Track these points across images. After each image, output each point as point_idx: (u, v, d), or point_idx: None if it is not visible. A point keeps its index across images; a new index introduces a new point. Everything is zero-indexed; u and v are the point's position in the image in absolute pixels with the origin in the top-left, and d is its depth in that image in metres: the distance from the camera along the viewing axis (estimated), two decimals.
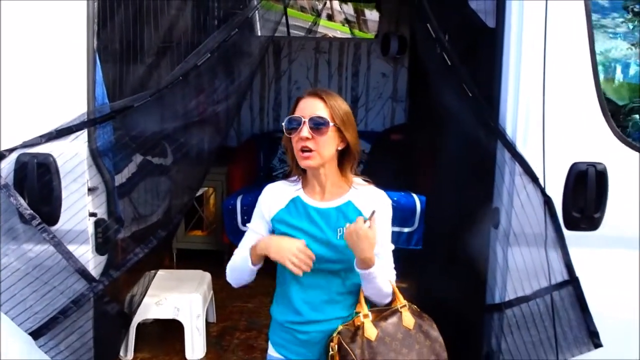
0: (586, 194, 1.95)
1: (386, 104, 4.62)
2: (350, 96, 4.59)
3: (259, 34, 3.54)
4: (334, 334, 1.48)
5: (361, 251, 1.41)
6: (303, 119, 1.48)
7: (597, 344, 2.01)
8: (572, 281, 1.99)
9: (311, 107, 1.50)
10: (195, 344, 2.43)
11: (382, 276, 1.50)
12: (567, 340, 2.02)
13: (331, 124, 1.48)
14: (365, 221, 1.41)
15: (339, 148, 1.53)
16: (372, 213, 1.44)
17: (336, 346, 1.46)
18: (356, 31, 7.39)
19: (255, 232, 1.60)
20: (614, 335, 2.01)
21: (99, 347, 2.00)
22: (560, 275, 1.99)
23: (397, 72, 4.57)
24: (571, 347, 2.03)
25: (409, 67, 4.48)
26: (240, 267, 1.55)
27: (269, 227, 1.59)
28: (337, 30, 8.45)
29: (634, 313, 2.03)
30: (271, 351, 1.62)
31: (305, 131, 1.47)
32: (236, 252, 1.61)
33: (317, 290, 1.52)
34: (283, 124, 1.53)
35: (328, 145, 1.50)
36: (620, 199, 1.97)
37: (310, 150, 1.48)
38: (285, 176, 1.67)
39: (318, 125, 1.48)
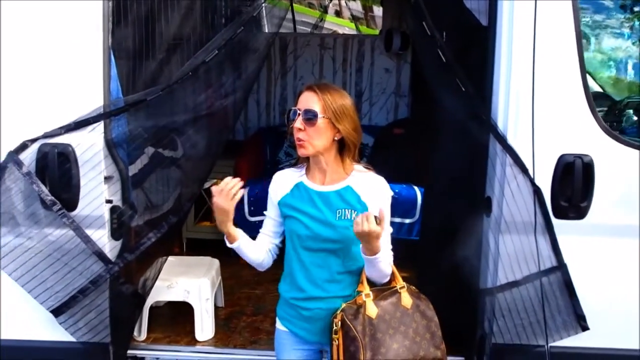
0: (573, 185, 2.04)
1: (389, 98, 4.72)
2: (354, 91, 4.69)
3: (266, 30, 3.65)
4: (338, 312, 1.60)
5: (367, 241, 1.52)
6: (298, 111, 1.61)
7: (585, 327, 2.12)
8: (561, 267, 2.09)
9: (306, 101, 1.63)
10: (204, 325, 2.56)
11: (385, 261, 1.61)
12: (555, 324, 2.12)
13: (321, 116, 1.60)
14: (376, 218, 1.50)
15: (336, 138, 1.64)
16: (380, 213, 1.52)
17: (339, 322, 1.58)
18: (362, 27, 7.47)
19: (269, 217, 1.76)
20: (600, 318, 2.12)
21: (115, 326, 2.14)
22: (549, 261, 2.09)
23: (400, 67, 4.66)
24: (560, 330, 2.13)
25: (412, 62, 4.57)
26: (242, 255, 1.71)
27: (278, 211, 1.72)
28: (344, 27, 8.52)
29: (619, 297, 2.13)
30: (278, 325, 1.77)
31: (298, 122, 1.60)
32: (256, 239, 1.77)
33: (318, 269, 1.64)
34: (285, 115, 1.68)
35: (319, 135, 1.61)
36: (606, 189, 2.07)
37: (301, 140, 1.61)
38: (294, 164, 1.80)
39: (309, 117, 1.60)
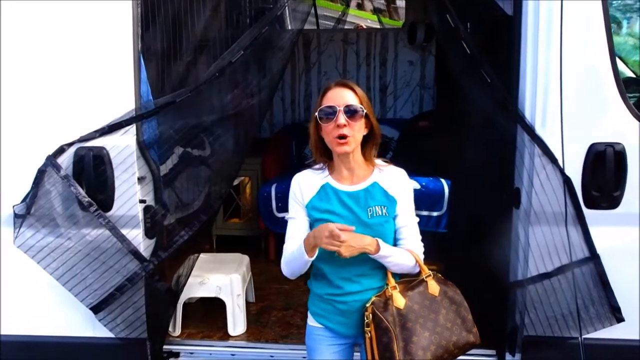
0: (605, 174, 2.00)
1: (414, 91, 4.69)
2: (378, 85, 4.68)
3: (290, 27, 3.67)
4: (368, 304, 1.62)
5: (361, 243, 1.55)
6: (338, 108, 1.60)
7: (620, 319, 2.08)
8: (593, 258, 2.06)
9: (343, 96, 1.62)
10: (236, 321, 2.62)
11: (397, 254, 1.62)
12: (589, 315, 2.09)
13: (364, 110, 1.61)
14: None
15: (364, 133, 1.66)
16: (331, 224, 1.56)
17: (370, 315, 1.60)
18: (385, 19, 7.41)
19: (297, 219, 1.72)
20: (635, 309, 2.08)
21: (151, 322, 2.21)
22: (581, 252, 2.06)
23: (425, 59, 4.62)
24: (594, 321, 2.09)
25: (436, 54, 4.52)
26: (296, 259, 1.62)
27: (306, 212, 1.71)
28: (367, 19, 8.47)
29: None
30: (311, 321, 1.77)
31: (342, 118, 1.58)
32: (286, 245, 1.72)
33: (352, 266, 1.64)
34: (316, 114, 1.64)
35: (360, 130, 1.63)
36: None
37: (345, 137, 1.60)
38: (307, 165, 1.79)
39: (353, 112, 1.60)
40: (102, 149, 2.09)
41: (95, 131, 2.10)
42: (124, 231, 2.12)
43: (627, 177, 2.02)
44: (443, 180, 3.63)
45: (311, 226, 1.70)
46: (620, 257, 2.07)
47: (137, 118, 2.11)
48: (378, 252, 1.59)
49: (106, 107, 2.11)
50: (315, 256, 1.60)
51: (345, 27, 5.94)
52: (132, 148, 2.11)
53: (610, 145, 2.00)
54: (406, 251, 1.67)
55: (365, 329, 1.62)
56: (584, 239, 2.06)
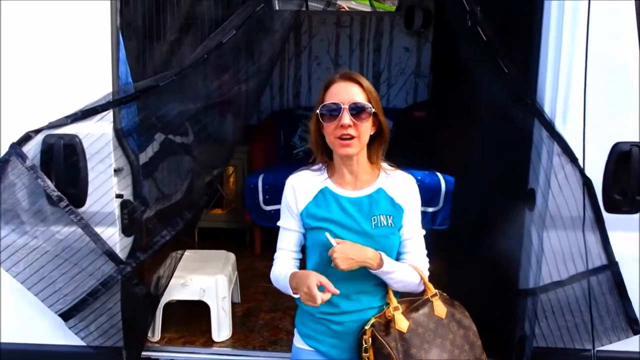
0: (629, 176, 1.86)
1: (409, 79, 4.50)
2: (372, 72, 4.48)
3: (277, 8, 3.44)
4: (367, 327, 1.45)
5: (362, 256, 1.39)
6: (342, 106, 1.41)
7: (637, 331, 1.96)
8: (611, 266, 1.93)
9: (349, 92, 1.43)
10: (221, 325, 2.42)
11: (401, 270, 1.45)
12: (604, 326, 1.97)
13: (372, 109, 1.43)
14: (332, 249, 1.38)
15: (371, 133, 1.48)
16: (326, 234, 1.42)
17: (370, 339, 1.43)
18: (377, 3, 7.18)
19: (288, 230, 1.54)
20: None
21: (128, 329, 2.00)
22: (598, 259, 1.93)
23: (421, 46, 4.44)
24: (609, 333, 1.97)
25: (433, 41, 4.34)
26: (282, 287, 1.50)
27: (299, 222, 1.53)
28: (359, 3, 8.22)
29: None
30: (298, 342, 1.57)
31: (346, 118, 1.40)
32: (276, 256, 1.56)
33: (351, 281, 1.46)
34: (317, 111, 1.46)
35: (367, 131, 1.45)
36: None
37: (350, 138, 1.41)
38: (304, 160, 1.60)
39: (359, 111, 1.42)
40: (74, 137, 1.87)
41: (67, 117, 1.87)
42: (98, 229, 1.91)
43: None
44: (440, 175, 3.48)
45: (307, 236, 1.51)
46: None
47: (114, 103, 1.89)
48: (381, 268, 1.41)
49: (79, 89, 1.88)
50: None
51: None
52: (109, 136, 1.89)
53: (636, 145, 1.85)
54: (410, 267, 1.49)
55: (363, 354, 1.44)
56: (602, 245, 1.93)
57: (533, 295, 2.00)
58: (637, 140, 1.86)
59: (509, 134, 2.06)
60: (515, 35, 2.02)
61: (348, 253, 1.36)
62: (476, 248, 2.31)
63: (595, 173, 1.88)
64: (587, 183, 1.88)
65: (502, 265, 2.08)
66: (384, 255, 1.42)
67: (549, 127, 1.88)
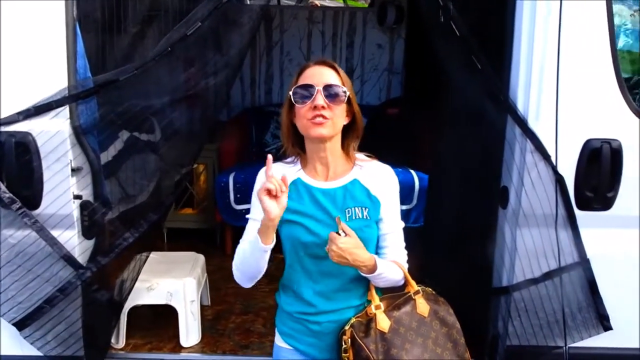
0: (600, 172, 1.86)
1: (382, 76, 4.47)
2: (345, 68, 4.42)
3: (248, 2, 3.36)
4: (347, 327, 1.40)
5: (358, 262, 1.35)
6: (316, 87, 1.36)
7: (607, 327, 1.97)
8: (583, 263, 1.93)
9: (323, 75, 1.38)
10: (189, 330, 2.34)
11: (389, 270, 1.42)
12: (576, 323, 1.97)
13: (347, 93, 1.38)
14: (338, 233, 1.34)
15: (345, 122, 1.43)
16: (337, 219, 1.37)
17: (349, 340, 1.38)
18: (350, 0, 7.14)
19: (258, 221, 1.44)
20: (624, 317, 1.96)
21: (89, 336, 1.91)
22: (570, 256, 1.93)
23: (394, 43, 4.41)
24: (580, 330, 1.98)
25: (406, 37, 4.32)
26: (250, 254, 1.38)
27: None
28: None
29: None
30: (279, 341, 1.53)
31: (320, 99, 1.35)
32: (238, 247, 1.47)
33: (329, 279, 1.42)
34: (290, 93, 1.40)
35: (341, 117, 1.40)
36: (635, 177, 1.89)
37: (324, 118, 1.36)
38: (279, 157, 1.53)
39: (334, 93, 1.37)
40: (27, 134, 1.76)
41: (19, 113, 1.76)
42: (55, 233, 1.80)
43: (622, 177, 1.87)
44: (413, 172, 3.46)
45: (280, 229, 1.44)
46: (610, 262, 1.94)
47: (70, 98, 1.78)
48: (373, 273, 1.37)
49: (33, 84, 1.78)
50: (272, 243, 1.34)
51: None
52: (65, 134, 1.78)
53: (607, 141, 1.84)
54: (394, 264, 1.45)
55: (343, 354, 1.40)
56: (574, 243, 1.93)
57: (506, 293, 1.99)
58: (608, 137, 1.85)
59: (483, 131, 2.03)
60: (488, 32, 1.99)
61: (345, 252, 1.32)
62: (450, 246, 2.28)
63: (568, 170, 1.87)
64: (559, 180, 1.87)
65: (476, 264, 2.06)
66: (377, 260, 1.39)
67: (522, 124, 1.86)
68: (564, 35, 1.80)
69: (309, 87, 1.36)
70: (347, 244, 1.32)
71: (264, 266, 1.40)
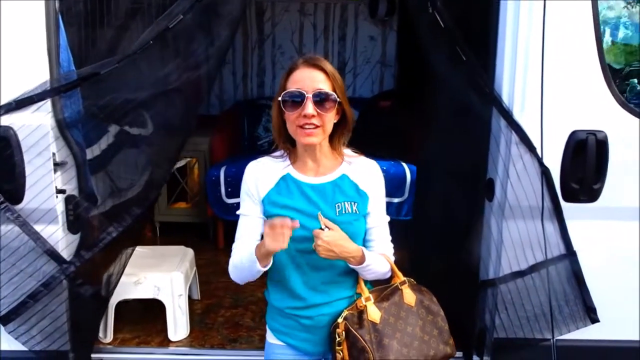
0: (586, 164, 1.85)
1: (374, 68, 4.45)
2: (337, 61, 4.40)
3: None
4: (340, 320, 1.41)
5: (345, 253, 1.36)
6: (306, 94, 1.35)
7: (594, 320, 1.97)
8: (569, 255, 1.93)
9: (312, 80, 1.37)
10: (177, 324, 2.33)
11: (377, 262, 1.44)
12: (563, 316, 1.97)
13: (336, 98, 1.38)
14: (322, 229, 1.35)
15: (335, 121, 1.43)
16: (319, 215, 1.39)
17: (343, 332, 1.40)
18: None
19: (250, 216, 1.46)
20: (611, 309, 1.95)
21: (75, 331, 1.91)
22: (557, 249, 1.93)
23: (386, 35, 4.38)
24: (567, 322, 1.98)
25: (399, 29, 4.29)
26: (247, 268, 1.39)
27: (261, 208, 1.46)
28: None
29: (633, 288, 1.96)
30: (271, 338, 1.53)
31: (309, 107, 1.35)
32: (235, 246, 1.47)
33: (319, 272, 1.43)
34: (279, 98, 1.39)
35: (331, 120, 1.41)
36: (621, 168, 1.88)
37: (314, 127, 1.36)
38: (269, 151, 1.53)
39: (323, 101, 1.36)
40: (8, 128, 1.75)
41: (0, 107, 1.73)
42: (37, 227, 1.80)
43: (609, 168, 1.86)
44: (405, 165, 3.45)
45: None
46: (597, 254, 1.94)
47: (52, 92, 1.77)
48: (361, 264, 1.39)
49: (14, 78, 1.75)
50: (269, 266, 1.37)
51: None
52: (47, 128, 1.77)
53: (593, 133, 1.83)
54: (381, 256, 1.47)
55: (337, 347, 1.40)
56: (561, 235, 1.92)
57: (493, 286, 1.99)
58: (593, 128, 1.84)
59: (468, 124, 2.02)
60: (473, 24, 1.98)
61: (331, 244, 1.33)
62: (437, 239, 2.28)
63: (554, 162, 1.86)
64: (545, 172, 1.86)
65: (463, 256, 2.05)
66: (365, 251, 1.40)
67: (507, 116, 1.85)
68: (548, 27, 1.78)
69: (298, 93, 1.36)
70: (332, 237, 1.33)
71: (256, 277, 1.42)
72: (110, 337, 2.28)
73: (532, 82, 1.82)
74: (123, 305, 2.38)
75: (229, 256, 1.46)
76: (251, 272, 1.40)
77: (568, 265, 1.93)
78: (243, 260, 1.40)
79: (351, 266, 1.41)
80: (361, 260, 1.38)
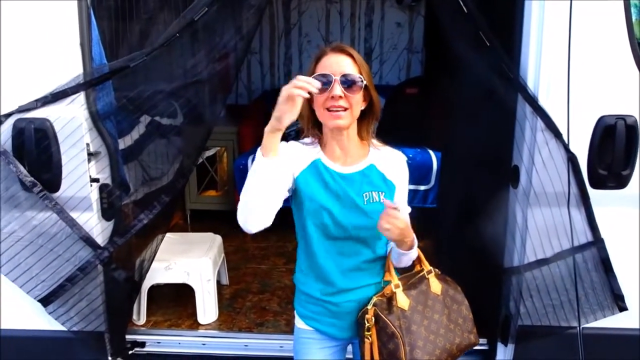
0: (614, 150, 1.81)
1: (401, 55, 4.42)
2: (363, 48, 4.39)
3: None
4: (369, 306, 1.44)
5: (408, 233, 1.39)
6: (334, 77, 1.37)
7: (622, 307, 1.93)
8: (597, 242, 1.90)
9: (340, 64, 1.39)
10: (207, 308, 2.41)
11: (413, 250, 1.47)
12: (589, 304, 1.94)
13: (364, 81, 1.39)
14: (394, 208, 1.35)
15: (362, 107, 1.44)
16: (384, 201, 1.39)
17: (373, 318, 1.42)
18: None
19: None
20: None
21: (110, 313, 1.99)
22: (583, 236, 1.90)
23: (413, 21, 4.34)
24: (594, 310, 1.95)
25: (426, 15, 4.24)
26: (253, 186, 1.28)
27: (292, 180, 1.43)
28: None
29: None
30: (299, 323, 1.57)
31: (337, 89, 1.36)
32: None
33: (344, 258, 1.46)
34: None
35: (358, 104, 1.42)
36: None
37: (342, 110, 1.38)
38: (301, 137, 1.54)
39: (351, 83, 1.38)
40: (45, 120, 1.83)
41: (36, 100, 1.82)
42: (74, 214, 1.88)
43: (638, 154, 1.82)
44: (432, 152, 3.43)
45: (301, 204, 1.43)
46: (625, 241, 1.90)
47: (85, 85, 1.83)
48: (412, 249, 1.43)
49: (50, 71, 1.83)
50: (276, 155, 1.27)
51: None
52: (81, 119, 1.84)
53: (622, 118, 1.79)
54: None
55: (366, 333, 1.43)
56: (588, 222, 1.89)
57: (517, 273, 1.98)
58: (623, 113, 1.80)
59: (493, 110, 2.00)
60: (497, 9, 1.95)
61: (401, 221, 1.34)
62: (461, 226, 2.27)
63: (580, 148, 1.83)
64: (571, 159, 1.83)
65: (487, 244, 2.05)
66: (415, 240, 1.44)
67: (532, 102, 1.83)
68: (575, 8, 1.74)
69: (326, 77, 1.37)
70: (402, 216, 1.36)
71: (266, 202, 1.30)
72: (143, 320, 2.38)
73: (558, 67, 1.79)
74: (155, 289, 2.47)
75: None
76: (257, 184, 1.28)
77: (595, 253, 1.90)
78: (248, 183, 1.30)
79: (398, 250, 1.42)
80: (412, 244, 1.41)
